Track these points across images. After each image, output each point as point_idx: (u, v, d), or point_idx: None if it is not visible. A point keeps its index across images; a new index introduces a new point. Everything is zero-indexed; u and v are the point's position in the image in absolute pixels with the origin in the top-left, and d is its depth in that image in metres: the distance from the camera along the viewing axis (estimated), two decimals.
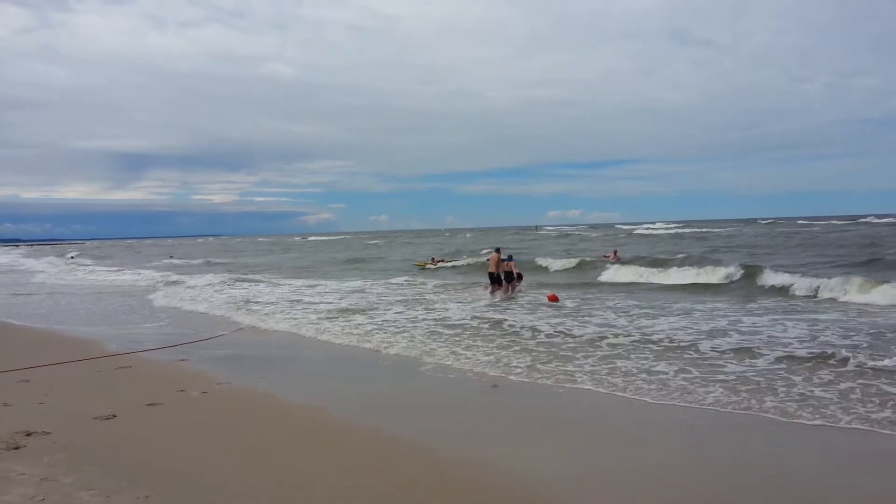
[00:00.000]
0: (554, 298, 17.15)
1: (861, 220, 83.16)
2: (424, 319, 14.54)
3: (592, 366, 9.51)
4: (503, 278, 20.84)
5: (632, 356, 10.03)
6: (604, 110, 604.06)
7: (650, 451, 6.04)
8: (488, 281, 21.28)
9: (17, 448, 5.89)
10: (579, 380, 8.76)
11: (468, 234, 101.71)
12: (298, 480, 5.28)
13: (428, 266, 33.60)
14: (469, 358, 10.43)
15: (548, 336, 11.93)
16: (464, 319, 14.21)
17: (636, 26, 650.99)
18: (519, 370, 9.47)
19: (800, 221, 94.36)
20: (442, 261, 34.95)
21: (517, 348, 11.02)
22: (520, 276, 21.13)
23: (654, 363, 9.49)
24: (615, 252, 32.00)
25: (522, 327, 12.83)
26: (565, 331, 12.30)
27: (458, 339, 12.08)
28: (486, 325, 13.33)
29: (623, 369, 9.20)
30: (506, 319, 13.93)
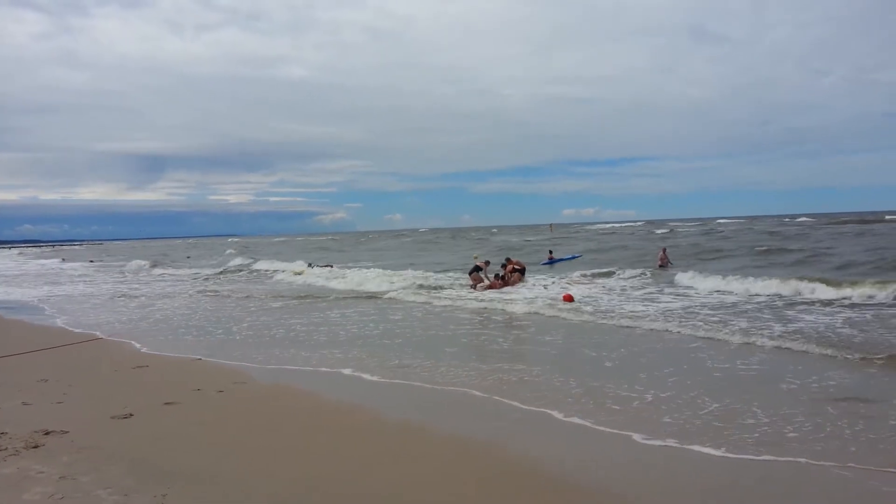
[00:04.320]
0: (569, 299, 17.05)
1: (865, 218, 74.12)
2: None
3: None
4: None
5: None
6: (620, 107, 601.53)
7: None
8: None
9: (36, 447, 5.93)
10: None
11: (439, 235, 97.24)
12: (319, 479, 5.26)
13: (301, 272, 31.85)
14: None
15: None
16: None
17: (653, 22, 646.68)
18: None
19: (800, 219, 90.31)
20: (327, 266, 33.11)
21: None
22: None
23: None
24: (664, 250, 28.36)
25: None
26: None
27: None
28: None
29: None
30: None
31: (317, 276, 28.49)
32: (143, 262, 46.67)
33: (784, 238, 42.25)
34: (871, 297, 14.53)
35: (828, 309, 13.68)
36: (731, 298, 16.12)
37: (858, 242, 33.48)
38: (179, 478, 5.24)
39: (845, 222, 62.68)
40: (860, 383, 7.95)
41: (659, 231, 67.29)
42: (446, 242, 66.55)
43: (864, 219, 67.39)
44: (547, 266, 30.03)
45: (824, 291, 15.53)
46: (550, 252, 33.39)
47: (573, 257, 33.15)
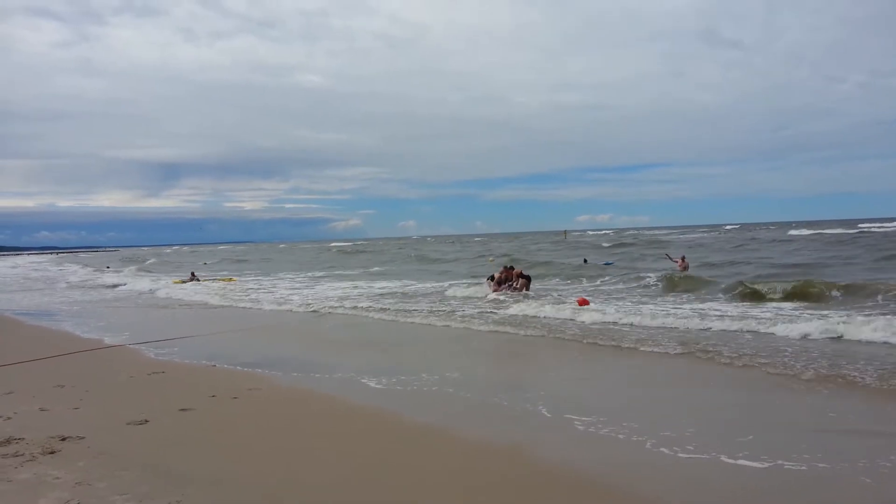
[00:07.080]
0: (584, 303, 17.01)
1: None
2: None
3: None
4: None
5: None
6: (633, 113, 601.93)
7: None
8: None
9: (52, 452, 5.93)
10: None
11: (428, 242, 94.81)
12: (335, 485, 5.21)
13: (186, 282, 31.86)
14: None
15: None
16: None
17: (665, 27, 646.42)
18: None
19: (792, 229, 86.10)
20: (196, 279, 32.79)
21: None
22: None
23: None
24: (683, 258, 27.39)
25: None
26: None
27: None
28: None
29: None
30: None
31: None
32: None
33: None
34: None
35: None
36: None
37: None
38: (194, 484, 5.20)
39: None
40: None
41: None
42: (425, 253, 61.40)
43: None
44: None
45: None
46: (585, 260, 35.03)
47: (606, 264, 33.81)
